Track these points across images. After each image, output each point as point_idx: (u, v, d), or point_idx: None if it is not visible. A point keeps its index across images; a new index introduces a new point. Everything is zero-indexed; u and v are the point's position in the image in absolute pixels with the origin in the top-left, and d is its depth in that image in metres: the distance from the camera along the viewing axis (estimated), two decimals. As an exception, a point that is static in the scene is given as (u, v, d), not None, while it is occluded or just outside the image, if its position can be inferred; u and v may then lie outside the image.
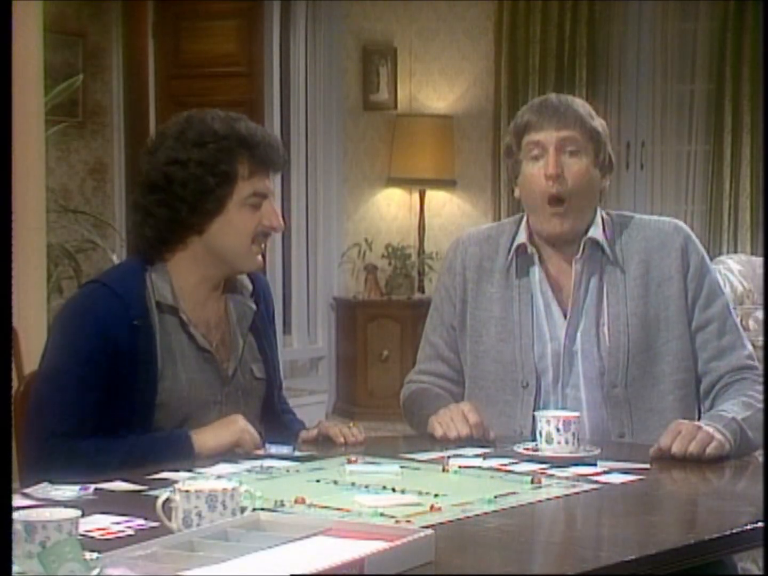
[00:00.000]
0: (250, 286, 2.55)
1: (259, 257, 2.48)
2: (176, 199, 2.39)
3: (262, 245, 2.47)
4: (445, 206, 7.28)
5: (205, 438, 2.34)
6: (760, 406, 2.47)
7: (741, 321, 4.19)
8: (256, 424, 2.44)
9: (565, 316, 2.61)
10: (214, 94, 7.20)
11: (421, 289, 7.13)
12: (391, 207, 7.41)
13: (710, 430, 2.32)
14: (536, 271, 2.64)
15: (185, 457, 2.29)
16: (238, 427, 2.36)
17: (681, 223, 2.69)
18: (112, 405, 2.34)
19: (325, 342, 7.30)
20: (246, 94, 7.23)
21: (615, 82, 6.99)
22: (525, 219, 2.69)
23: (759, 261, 5.24)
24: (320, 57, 7.19)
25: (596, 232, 2.61)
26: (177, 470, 2.14)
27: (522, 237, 2.65)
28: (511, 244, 2.66)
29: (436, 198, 7.32)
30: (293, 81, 7.21)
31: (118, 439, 2.31)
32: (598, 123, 2.64)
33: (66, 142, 6.78)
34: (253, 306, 2.53)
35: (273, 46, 7.07)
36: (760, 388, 2.53)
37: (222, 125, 2.42)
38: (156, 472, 2.14)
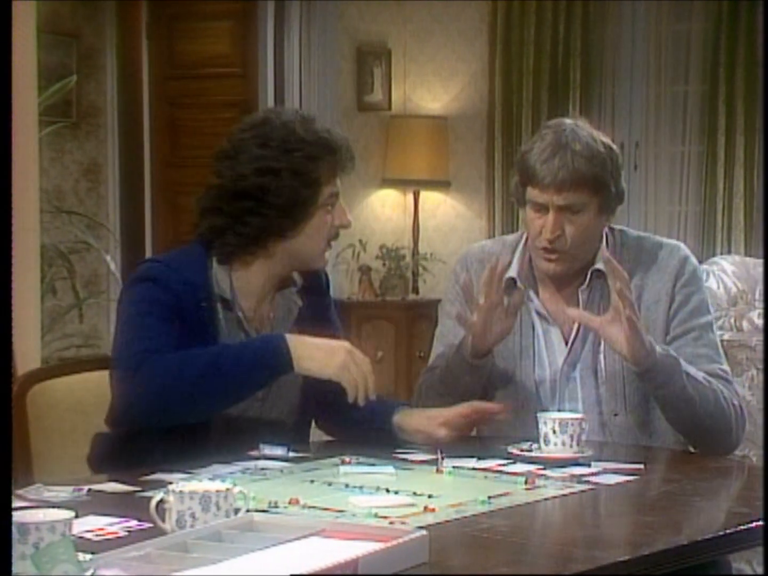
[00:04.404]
0: (299, 281, 2.55)
1: (326, 255, 2.54)
2: (269, 207, 2.38)
3: (332, 244, 2.52)
4: (440, 207, 7.28)
5: (306, 355, 2.28)
6: (709, 393, 2.45)
7: (735, 322, 4.18)
8: (289, 419, 2.46)
9: (566, 343, 2.57)
10: (209, 95, 7.20)
11: (416, 290, 7.12)
12: (385, 208, 7.40)
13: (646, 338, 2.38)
14: (533, 298, 2.60)
15: (278, 366, 2.26)
16: (342, 362, 2.33)
17: (681, 246, 2.63)
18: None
19: (320, 343, 7.28)
20: (240, 95, 7.22)
21: (609, 83, 6.99)
22: (523, 242, 2.63)
23: (753, 262, 5.22)
24: (314, 58, 7.19)
25: (601, 263, 2.52)
26: (171, 471, 2.15)
27: (513, 270, 2.58)
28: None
29: (431, 199, 7.32)
30: (287, 82, 7.21)
31: (201, 351, 2.28)
32: (606, 158, 2.50)
33: (60, 143, 6.77)
34: (299, 301, 2.53)
35: (267, 47, 7.07)
36: (726, 393, 2.48)
37: (304, 129, 2.39)
38: (150, 473, 2.14)
